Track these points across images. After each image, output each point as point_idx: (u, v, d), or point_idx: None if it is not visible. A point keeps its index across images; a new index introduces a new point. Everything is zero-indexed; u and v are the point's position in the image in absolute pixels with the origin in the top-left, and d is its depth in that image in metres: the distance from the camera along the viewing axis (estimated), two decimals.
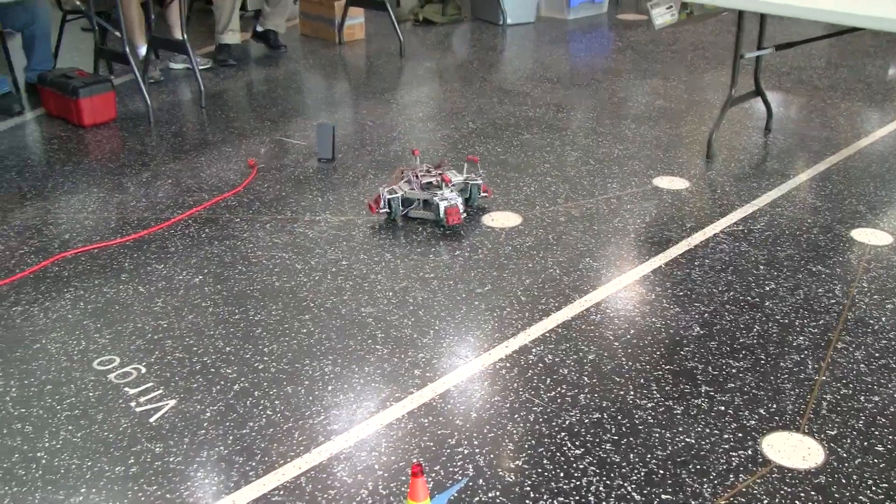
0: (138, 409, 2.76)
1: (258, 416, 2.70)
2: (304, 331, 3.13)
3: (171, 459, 2.55)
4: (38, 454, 2.60)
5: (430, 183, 4.00)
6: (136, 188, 4.40)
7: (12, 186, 4.53)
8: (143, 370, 2.95)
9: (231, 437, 2.62)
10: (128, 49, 5.46)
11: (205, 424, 2.68)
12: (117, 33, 5.49)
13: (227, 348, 3.05)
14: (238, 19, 6.56)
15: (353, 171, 4.45)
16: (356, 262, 3.57)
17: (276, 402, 2.77)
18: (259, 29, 6.96)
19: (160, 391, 2.84)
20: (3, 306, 3.39)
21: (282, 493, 2.42)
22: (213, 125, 5.29)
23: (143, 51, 6.19)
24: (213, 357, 3.00)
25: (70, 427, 2.70)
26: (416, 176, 4.03)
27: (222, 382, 2.87)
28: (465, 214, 3.94)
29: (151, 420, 2.71)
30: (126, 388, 2.86)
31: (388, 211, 3.93)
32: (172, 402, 2.79)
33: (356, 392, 2.81)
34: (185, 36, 5.72)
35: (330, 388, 2.83)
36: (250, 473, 2.49)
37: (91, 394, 2.85)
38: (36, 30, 5.90)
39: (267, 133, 5.09)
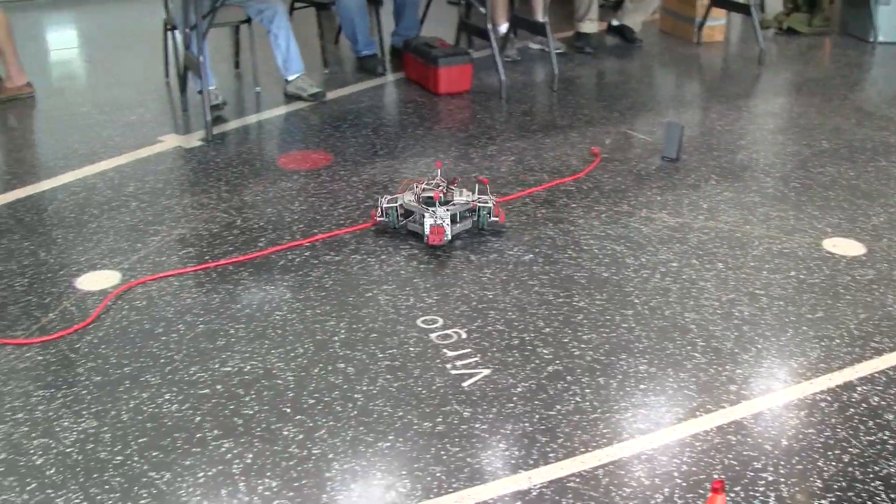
0: (453, 372, 2.84)
1: (567, 401, 2.71)
2: (625, 325, 3.11)
3: (476, 426, 2.60)
4: (356, 395, 2.73)
5: (430, 197, 3.78)
6: (480, 160, 4.53)
7: (367, 142, 4.79)
8: (464, 335, 3.03)
9: (537, 416, 2.64)
10: (489, 26, 5.61)
11: (514, 398, 2.72)
12: (482, 9, 5.64)
13: (547, 329, 3.07)
14: (597, 9, 6.58)
15: (696, 175, 4.36)
16: (687, 266, 3.50)
17: (587, 390, 2.76)
18: (615, 23, 6.94)
19: (476, 358, 2.91)
20: (343, 253, 3.59)
21: (578, 480, 2.41)
22: (561, 109, 5.35)
23: (503, 29, 6.35)
24: (532, 335, 3.04)
25: (388, 376, 2.82)
26: (420, 188, 3.85)
27: (537, 361, 2.90)
28: (448, 237, 3.67)
29: (464, 385, 2.78)
30: (445, 350, 2.95)
31: (386, 220, 3.79)
32: (486, 372, 2.85)
33: (667, 396, 2.76)
34: (546, 19, 5.81)
35: (642, 386, 2.79)
36: (550, 455, 2.50)
37: (412, 349, 2.96)
38: None
39: (613, 124, 5.08)
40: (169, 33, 5.95)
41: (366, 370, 2.86)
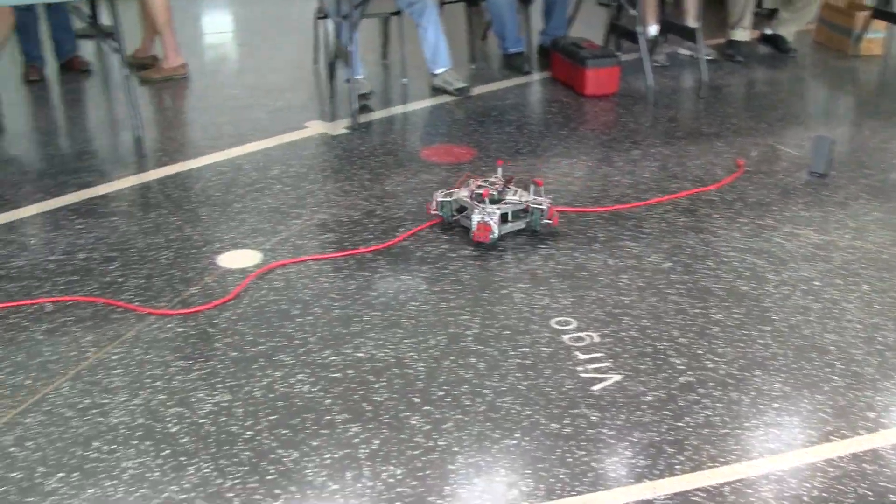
0: (584, 375, 2.83)
1: (697, 414, 2.67)
2: (762, 341, 3.04)
3: (604, 431, 2.59)
4: (485, 391, 2.75)
5: (481, 195, 3.75)
6: (623, 163, 4.49)
7: (510, 139, 4.80)
8: (597, 339, 3.02)
9: (666, 426, 2.61)
10: (639, 28, 5.55)
11: (643, 407, 2.69)
12: (632, 12, 5.59)
13: (682, 339, 3.03)
14: (751, 17, 6.44)
15: (845, 192, 4.23)
16: (829, 285, 3.40)
17: (719, 404, 2.71)
18: (768, 32, 6.78)
19: (608, 363, 2.89)
20: (481, 248, 3.61)
21: (703, 495, 2.37)
22: (708, 117, 5.26)
23: (652, 32, 6.27)
24: (666, 344, 3.00)
25: (518, 374, 2.83)
26: (476, 185, 3.81)
27: (669, 371, 2.86)
28: (495, 236, 3.63)
29: (594, 388, 2.76)
30: (577, 353, 2.94)
31: (440, 213, 3.80)
32: (617, 377, 2.82)
33: (802, 417, 2.69)
34: (699, 25, 5.72)
35: (776, 405, 2.73)
36: (676, 466, 2.47)
37: (544, 348, 2.96)
38: None
39: (761, 135, 4.97)
40: (320, 22, 6.07)
41: (496, 366, 2.87)
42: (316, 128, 5.06)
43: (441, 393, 2.74)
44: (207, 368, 2.88)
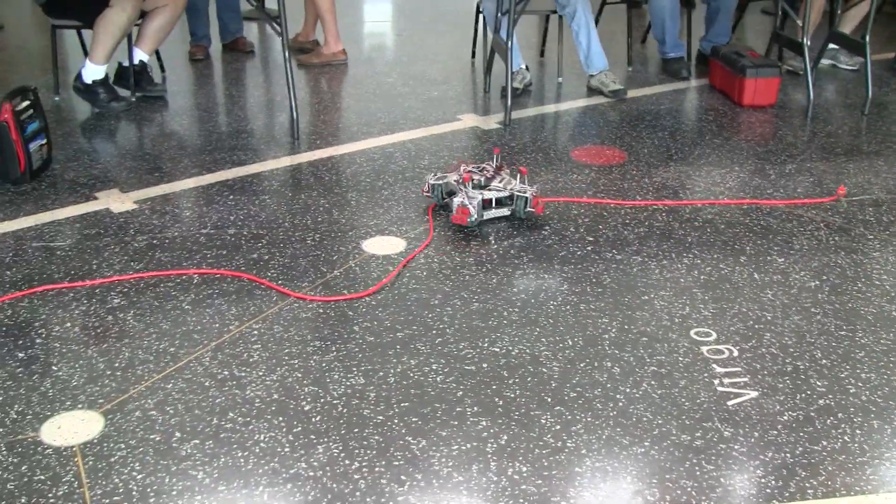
0: (720, 389, 2.79)
1: (835, 439, 2.60)
2: None
3: (735, 447, 2.55)
4: (618, 396, 2.73)
5: (463, 179, 3.91)
6: (776, 177, 4.39)
7: (662, 145, 4.75)
8: (735, 353, 2.97)
9: (800, 448, 2.55)
10: (805, 39, 5.41)
11: (778, 426, 2.63)
12: (798, 21, 5.45)
13: (824, 361, 2.95)
14: None
15: None
16: None
17: (858, 431, 2.64)
18: None
19: (745, 379, 2.84)
20: (626, 252, 3.60)
21: None
22: (869, 134, 5.09)
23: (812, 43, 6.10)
24: (807, 364, 2.93)
25: (653, 382, 2.80)
26: (464, 171, 3.98)
27: (808, 392, 2.79)
28: (473, 219, 3.75)
29: (729, 403, 2.72)
30: (714, 365, 2.90)
31: (431, 195, 3.99)
32: (754, 394, 2.77)
33: None
34: (867, 38, 5.53)
35: None
36: (808, 491, 2.41)
37: (681, 358, 2.93)
38: (721, 4, 6.07)
39: None
40: (481, 16, 6.10)
41: (631, 372, 2.85)
42: (468, 121, 5.10)
43: (573, 394, 2.74)
44: (344, 351, 2.95)
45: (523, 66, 5.61)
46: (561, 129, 5.16)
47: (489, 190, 3.88)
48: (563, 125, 5.24)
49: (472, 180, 3.92)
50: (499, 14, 5.20)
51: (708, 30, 6.28)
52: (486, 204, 3.84)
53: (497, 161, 4.09)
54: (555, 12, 5.77)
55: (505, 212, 3.89)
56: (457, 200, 3.78)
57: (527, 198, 3.84)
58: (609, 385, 2.79)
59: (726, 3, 6.12)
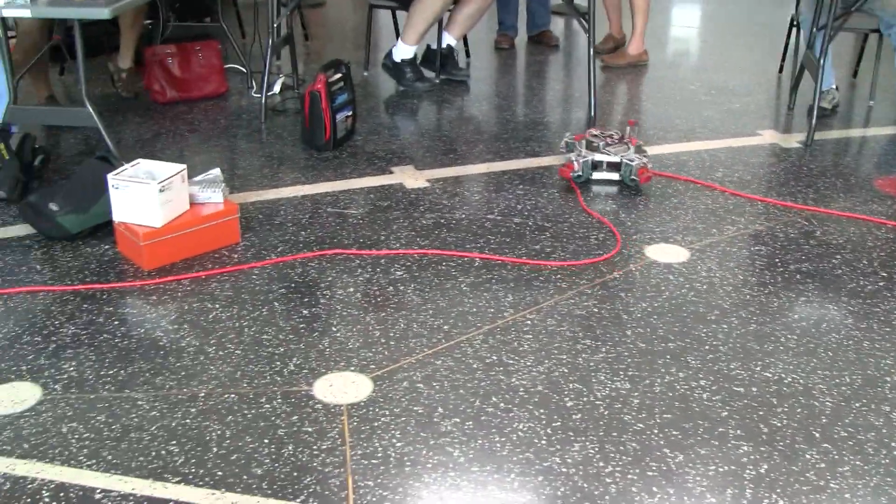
0: None
1: None
2: None
3: None
4: (893, 444, 2.58)
5: (591, 143, 4.30)
6: None
7: None
8: None
9: None
10: None
11: None
12: None
13: None
14: None
15: None
16: None
17: None
18: None
19: None
20: None
21: None
22: None
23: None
24: None
25: None
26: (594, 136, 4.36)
27: None
28: (577, 173, 4.17)
29: None
30: None
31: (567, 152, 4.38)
32: None
33: None
34: None
35: None
36: None
37: None
38: None
39: None
40: (794, 29, 5.89)
41: None
42: (768, 137, 4.94)
43: (844, 434, 2.61)
44: (614, 353, 2.94)
45: (834, 86, 5.36)
46: (866, 156, 4.90)
47: (602, 153, 4.22)
48: (870, 151, 4.97)
49: (588, 141, 4.30)
50: (814, 29, 5.00)
51: None
52: (595, 165, 4.21)
53: (629, 132, 4.35)
54: (876, 30, 5.48)
55: (615, 176, 4.24)
56: (570, 156, 4.21)
57: (632, 166, 4.13)
58: (885, 430, 2.64)
59: None
